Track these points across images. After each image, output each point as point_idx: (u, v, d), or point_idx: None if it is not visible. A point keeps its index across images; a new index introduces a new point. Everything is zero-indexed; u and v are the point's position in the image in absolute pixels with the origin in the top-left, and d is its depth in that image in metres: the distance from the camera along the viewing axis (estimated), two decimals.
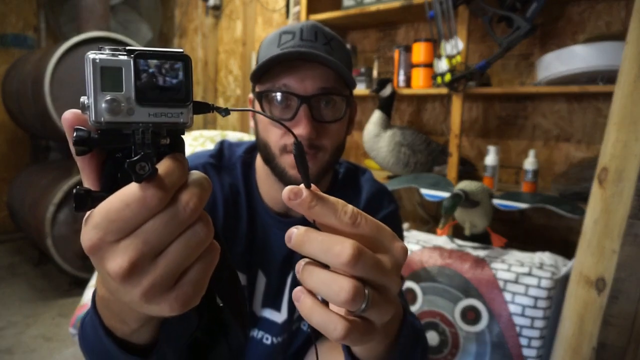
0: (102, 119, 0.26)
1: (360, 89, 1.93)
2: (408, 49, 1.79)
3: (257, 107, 0.66)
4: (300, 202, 0.31)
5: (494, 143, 1.75)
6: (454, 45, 1.51)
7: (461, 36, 1.53)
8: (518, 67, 1.71)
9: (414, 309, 1.33)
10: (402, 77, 1.81)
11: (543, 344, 1.18)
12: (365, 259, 0.30)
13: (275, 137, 0.66)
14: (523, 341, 1.17)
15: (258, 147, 0.72)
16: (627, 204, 0.97)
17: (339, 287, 0.29)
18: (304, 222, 0.78)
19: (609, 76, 1.31)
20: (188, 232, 0.28)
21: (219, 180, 0.75)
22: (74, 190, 0.27)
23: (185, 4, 3.16)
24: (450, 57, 1.52)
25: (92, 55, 0.26)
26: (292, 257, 0.80)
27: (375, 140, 1.70)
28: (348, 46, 1.96)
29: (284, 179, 0.68)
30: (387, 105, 1.72)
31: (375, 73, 1.97)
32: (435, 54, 1.62)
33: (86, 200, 0.27)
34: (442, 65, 1.54)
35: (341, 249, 0.29)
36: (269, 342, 0.82)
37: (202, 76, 3.12)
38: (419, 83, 1.73)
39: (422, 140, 1.71)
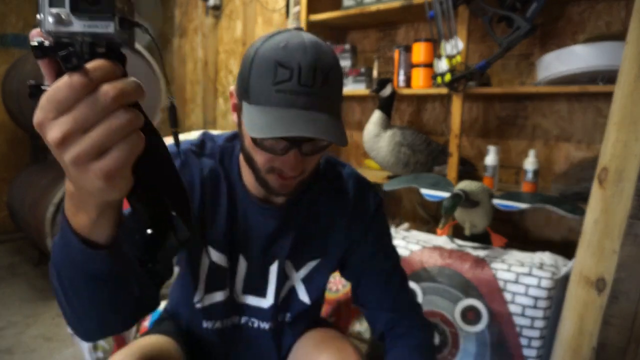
0: (50, 29, 0.35)
1: (360, 89, 1.93)
2: (408, 49, 1.79)
3: (245, 128, 0.65)
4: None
5: (494, 143, 1.75)
6: (454, 45, 1.51)
7: (461, 36, 1.53)
8: (518, 67, 1.71)
9: None
10: (402, 77, 1.81)
11: (543, 344, 1.18)
12: None
13: (262, 159, 0.68)
14: (523, 341, 1.17)
15: (242, 153, 0.74)
16: (627, 204, 0.97)
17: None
18: (285, 208, 0.79)
19: (609, 76, 1.31)
20: (111, 117, 0.36)
21: (199, 164, 0.78)
22: (29, 82, 0.36)
23: (185, 4, 3.16)
24: (450, 57, 1.52)
25: None
26: (273, 242, 0.82)
27: (375, 140, 1.70)
28: (347, 46, 1.96)
29: (267, 189, 0.73)
30: (387, 105, 1.72)
31: (375, 73, 1.97)
32: (435, 54, 1.62)
33: (37, 92, 0.36)
34: (442, 65, 1.53)
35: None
36: (255, 325, 0.86)
37: (202, 76, 3.12)
38: (419, 83, 1.73)
39: (422, 140, 1.71)
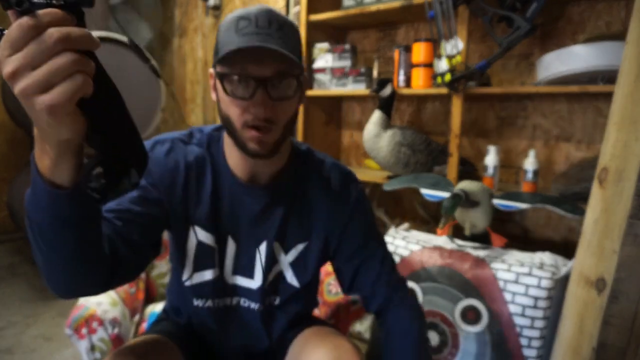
0: None
1: (360, 89, 1.93)
2: (408, 49, 1.79)
3: (219, 86, 0.74)
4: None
5: (494, 143, 1.75)
6: (454, 45, 1.51)
7: (461, 36, 1.53)
8: (518, 67, 1.71)
9: None
10: (402, 77, 1.80)
11: (543, 344, 1.18)
12: None
13: (235, 112, 0.73)
14: (523, 341, 1.17)
15: (221, 119, 0.78)
16: (627, 204, 0.97)
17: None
18: (270, 189, 0.83)
19: (609, 76, 1.31)
20: (56, 57, 0.40)
21: (185, 150, 0.83)
22: None
23: (185, 3, 3.16)
24: (450, 57, 1.52)
25: None
26: (260, 223, 0.85)
27: (375, 140, 1.70)
28: (347, 46, 1.96)
29: (245, 150, 0.76)
30: (387, 105, 1.72)
31: (375, 73, 1.97)
32: (435, 54, 1.62)
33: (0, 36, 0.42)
34: (442, 65, 1.54)
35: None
36: (246, 305, 0.88)
37: (202, 76, 3.12)
38: (419, 83, 1.73)
39: (422, 140, 1.71)
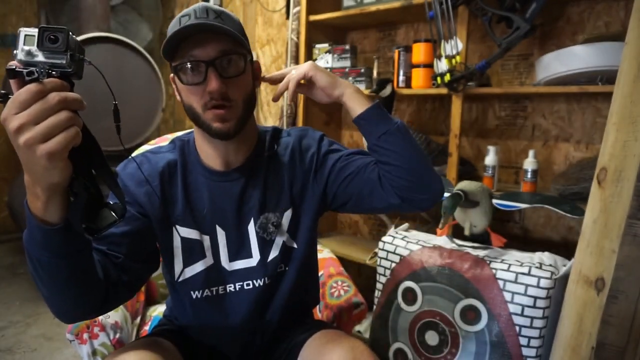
0: (22, 59, 0.52)
1: (360, 89, 1.93)
2: (408, 49, 1.79)
3: (178, 83, 0.82)
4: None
5: (494, 143, 1.75)
6: (454, 46, 1.51)
7: (461, 36, 1.54)
8: (517, 68, 1.71)
9: (414, 308, 1.34)
10: (402, 78, 1.81)
11: (542, 344, 1.18)
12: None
13: (195, 98, 0.80)
14: (522, 341, 1.18)
15: (186, 112, 0.84)
16: (626, 204, 0.97)
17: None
18: (244, 170, 0.89)
19: (609, 76, 1.31)
20: (55, 114, 0.51)
21: (155, 160, 0.89)
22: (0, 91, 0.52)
23: (186, 4, 3.16)
24: (450, 58, 1.52)
25: (22, 29, 0.52)
26: (242, 204, 0.89)
27: None
28: (347, 46, 1.97)
29: (210, 132, 0.81)
30: (387, 106, 1.72)
31: (375, 73, 1.97)
32: (435, 54, 1.62)
33: (5, 97, 0.52)
34: (442, 65, 1.54)
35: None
36: (250, 286, 0.90)
37: None
38: (419, 83, 1.73)
39: (422, 140, 1.71)
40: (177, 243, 0.87)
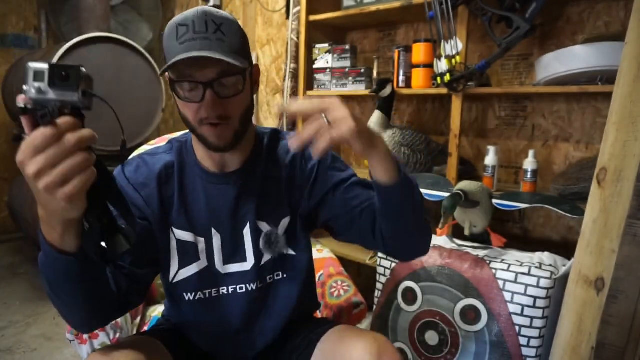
0: (32, 97, 0.51)
1: (360, 89, 1.93)
2: (408, 49, 1.79)
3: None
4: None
5: (494, 143, 1.75)
6: (454, 46, 1.51)
7: (461, 36, 1.54)
8: (517, 68, 1.71)
9: (414, 308, 1.34)
10: (402, 78, 1.81)
11: (542, 344, 1.18)
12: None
13: (191, 113, 0.78)
14: (522, 341, 1.18)
15: (182, 120, 0.83)
16: (626, 203, 0.97)
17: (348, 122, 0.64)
18: (241, 174, 0.88)
19: (608, 76, 1.31)
20: (71, 157, 0.51)
21: (152, 162, 0.88)
22: (14, 131, 0.61)
23: (186, 4, 3.16)
24: (449, 58, 1.52)
25: (30, 64, 0.52)
26: (238, 208, 0.88)
27: None
28: (347, 46, 1.97)
29: (206, 145, 0.81)
30: (387, 106, 1.73)
31: (375, 73, 1.97)
32: (435, 54, 1.62)
33: (19, 138, 0.52)
34: (442, 65, 1.54)
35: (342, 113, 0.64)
36: (243, 290, 0.89)
37: None
38: (419, 83, 1.73)
39: (422, 140, 1.71)
40: (173, 244, 0.87)
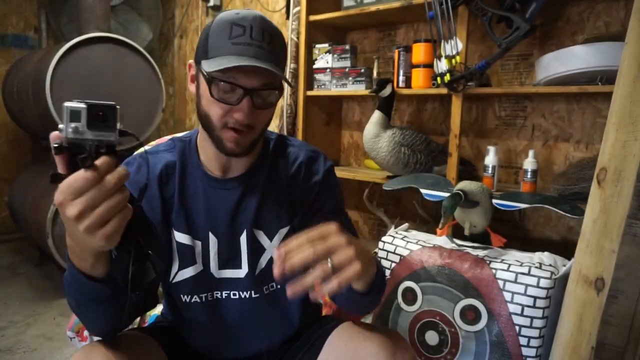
0: (70, 137, 0.51)
1: (360, 89, 1.93)
2: (408, 50, 1.79)
3: (203, 86, 0.77)
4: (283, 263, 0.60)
5: (494, 143, 1.75)
6: (454, 46, 1.51)
7: (461, 36, 1.54)
8: (517, 68, 1.71)
9: (414, 308, 1.34)
10: (402, 78, 1.81)
11: (542, 344, 1.18)
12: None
13: (217, 113, 0.77)
14: (522, 340, 1.18)
15: (199, 115, 0.81)
16: (626, 203, 0.97)
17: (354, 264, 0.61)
18: (243, 179, 0.89)
19: (608, 76, 1.31)
20: (112, 197, 0.53)
21: (154, 161, 0.88)
22: (50, 172, 0.52)
23: (186, 4, 3.17)
24: (450, 58, 1.52)
25: (67, 104, 0.51)
26: (237, 213, 0.87)
27: (375, 140, 1.70)
28: (347, 46, 1.97)
29: (220, 148, 0.80)
30: (386, 106, 1.73)
31: (375, 73, 1.97)
32: (435, 54, 1.62)
33: (57, 178, 0.52)
34: (442, 65, 1.54)
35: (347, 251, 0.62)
36: (236, 297, 0.89)
37: None
38: (419, 83, 1.73)
39: (422, 140, 1.71)
40: (174, 245, 0.87)
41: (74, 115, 0.51)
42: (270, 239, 0.89)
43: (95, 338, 1.06)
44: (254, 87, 0.75)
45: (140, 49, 2.46)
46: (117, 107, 0.53)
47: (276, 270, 0.59)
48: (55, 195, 0.52)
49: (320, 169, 0.92)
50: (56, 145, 0.52)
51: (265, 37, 0.75)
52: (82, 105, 0.51)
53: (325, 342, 0.86)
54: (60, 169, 0.53)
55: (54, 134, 0.53)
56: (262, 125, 0.81)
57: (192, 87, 0.83)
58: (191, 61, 0.82)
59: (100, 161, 0.51)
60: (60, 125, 0.52)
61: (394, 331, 0.82)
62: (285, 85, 0.81)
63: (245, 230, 0.87)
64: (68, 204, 0.51)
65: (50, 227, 2.25)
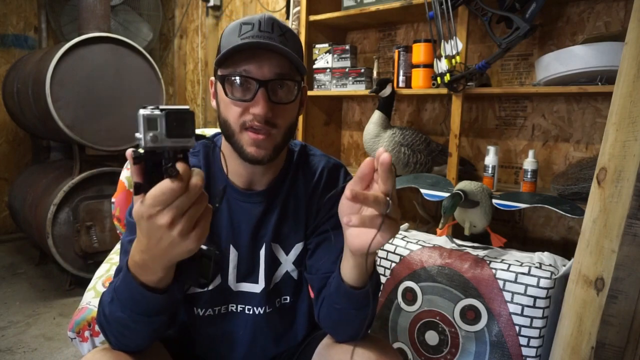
0: (148, 145, 0.50)
1: (360, 89, 1.93)
2: (408, 50, 1.79)
3: (219, 89, 0.76)
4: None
5: (494, 143, 1.75)
6: (454, 46, 1.51)
7: (461, 37, 1.54)
8: (517, 68, 1.71)
9: (414, 308, 1.34)
10: (402, 78, 1.81)
11: (542, 344, 1.18)
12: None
13: (234, 114, 0.74)
14: (522, 340, 1.18)
15: (220, 124, 0.79)
16: (625, 203, 0.97)
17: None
18: (267, 192, 0.85)
19: (608, 76, 1.31)
20: (197, 202, 0.53)
21: None
22: (134, 182, 0.53)
23: (186, 4, 3.17)
24: (450, 58, 1.52)
25: (142, 111, 0.50)
26: (260, 227, 0.85)
27: (375, 140, 1.70)
28: (347, 46, 1.97)
29: (242, 155, 0.76)
30: (387, 106, 1.73)
31: (375, 73, 1.97)
32: (435, 54, 1.62)
33: (140, 189, 0.52)
34: (442, 65, 1.54)
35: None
36: (250, 312, 0.87)
37: (202, 76, 3.13)
38: (419, 83, 1.73)
39: (422, 140, 1.71)
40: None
41: (152, 123, 0.50)
42: (287, 253, 0.87)
43: (98, 342, 1.06)
44: (267, 78, 0.72)
45: (140, 49, 2.46)
46: (193, 112, 0.52)
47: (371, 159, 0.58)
48: (137, 208, 0.52)
49: (337, 184, 0.90)
50: (135, 155, 0.51)
51: (275, 30, 0.73)
52: (158, 112, 0.50)
53: (314, 354, 0.86)
54: (138, 178, 0.53)
55: (128, 151, 0.52)
56: (285, 126, 0.76)
57: (213, 103, 0.81)
58: (212, 78, 0.81)
59: (182, 168, 0.51)
60: (137, 135, 0.50)
61: (380, 338, 0.81)
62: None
63: (264, 244, 0.85)
64: (158, 215, 0.51)
65: (50, 227, 2.25)
